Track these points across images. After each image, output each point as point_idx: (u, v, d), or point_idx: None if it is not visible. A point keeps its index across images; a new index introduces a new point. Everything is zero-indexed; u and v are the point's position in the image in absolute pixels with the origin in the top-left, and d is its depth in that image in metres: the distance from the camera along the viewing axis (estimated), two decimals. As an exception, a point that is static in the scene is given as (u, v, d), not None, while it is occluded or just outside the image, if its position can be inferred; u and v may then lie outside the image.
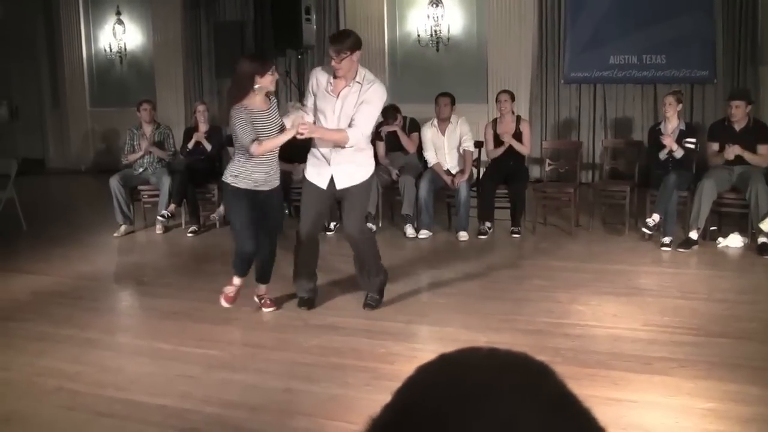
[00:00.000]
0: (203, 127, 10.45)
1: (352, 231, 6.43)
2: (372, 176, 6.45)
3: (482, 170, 10.04)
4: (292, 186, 10.12)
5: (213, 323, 6.34)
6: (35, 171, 14.87)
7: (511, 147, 9.46)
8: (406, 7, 13.97)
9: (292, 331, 6.09)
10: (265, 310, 6.58)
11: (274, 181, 6.38)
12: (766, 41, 11.98)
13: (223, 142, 10.56)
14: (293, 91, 13.97)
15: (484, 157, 9.97)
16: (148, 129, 10.38)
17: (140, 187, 10.32)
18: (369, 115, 6.11)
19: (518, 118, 9.69)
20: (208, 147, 10.26)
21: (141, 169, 10.29)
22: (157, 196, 10.13)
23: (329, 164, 6.23)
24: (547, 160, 10.36)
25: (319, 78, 6.15)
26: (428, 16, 13.69)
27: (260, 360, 5.49)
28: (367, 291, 6.65)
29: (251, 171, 6.11)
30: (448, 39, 13.59)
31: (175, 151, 10.52)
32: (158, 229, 9.96)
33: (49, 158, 17.37)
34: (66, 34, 16.67)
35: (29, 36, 16.94)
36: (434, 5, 13.67)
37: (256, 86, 5.95)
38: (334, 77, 6.02)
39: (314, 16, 13.00)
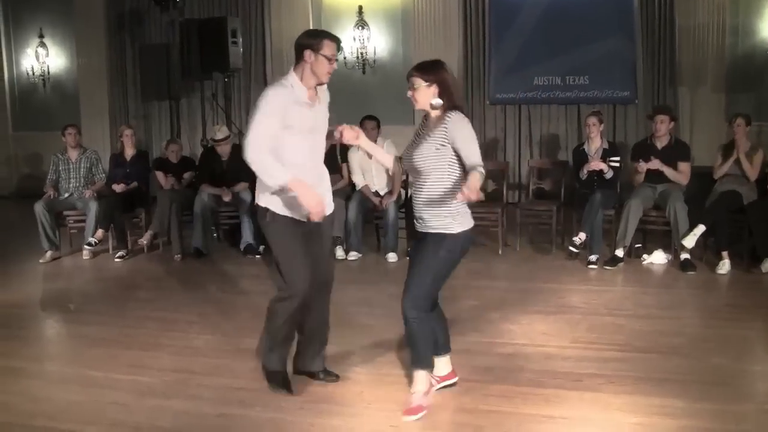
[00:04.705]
0: (130, 152, 10.36)
1: (331, 274, 5.39)
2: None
3: (410, 191, 10.08)
4: (220, 210, 10.08)
5: (143, 349, 6.25)
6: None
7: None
8: (332, 29, 13.88)
9: (225, 356, 6.04)
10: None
11: None
12: (684, 63, 12.31)
13: (149, 167, 10.49)
14: (219, 114, 13.91)
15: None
16: (73, 154, 10.24)
17: (66, 213, 10.15)
18: None
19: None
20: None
21: (67, 194, 10.14)
22: (83, 221, 9.97)
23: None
24: (475, 181, 10.41)
25: (284, 98, 4.87)
26: (354, 39, 13.78)
27: (192, 386, 5.44)
28: (317, 365, 5.47)
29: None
30: (374, 61, 13.69)
31: (107, 177, 10.39)
32: (85, 254, 9.81)
33: (-31, 184, 16.96)
34: (-14, 56, 16.41)
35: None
36: (360, 28, 13.77)
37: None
38: (312, 86, 5.05)
39: (240, 39, 12.98)
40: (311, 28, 13.62)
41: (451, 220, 4.78)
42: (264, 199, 4.98)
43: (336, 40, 5.04)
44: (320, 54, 4.91)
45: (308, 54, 4.93)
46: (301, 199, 4.77)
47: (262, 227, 5.08)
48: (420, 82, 4.82)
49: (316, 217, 4.85)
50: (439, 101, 4.76)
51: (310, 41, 4.97)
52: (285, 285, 4.98)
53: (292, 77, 4.96)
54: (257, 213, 5.12)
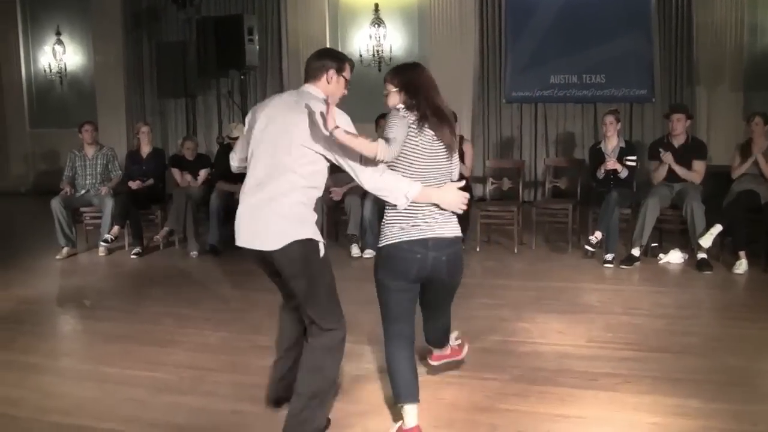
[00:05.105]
0: (146, 149, 10.40)
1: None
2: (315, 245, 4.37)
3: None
4: (236, 207, 10.06)
5: (159, 346, 6.27)
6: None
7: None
8: (348, 27, 14.04)
9: (240, 353, 6.05)
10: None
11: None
12: (701, 62, 12.24)
13: (165, 164, 10.52)
14: (236, 112, 13.94)
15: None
16: (90, 151, 10.29)
17: (82, 209, 10.21)
18: None
19: (460, 138, 9.74)
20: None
21: (83, 191, 10.18)
22: (99, 217, 10.02)
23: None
24: (490, 179, 10.42)
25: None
26: (370, 36, 13.78)
27: (208, 382, 5.45)
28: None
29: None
30: (390, 59, 13.66)
31: (123, 174, 10.43)
32: (101, 251, 9.84)
33: (-14, 180, 17.05)
34: (4, 54, 16.48)
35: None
36: (376, 25, 13.76)
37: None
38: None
39: (257, 37, 12.99)
40: (327, 28, 13.71)
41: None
42: (307, 231, 4.33)
43: (353, 65, 4.75)
44: (342, 76, 4.58)
45: (332, 74, 4.52)
46: (443, 203, 4.49)
47: (308, 265, 4.36)
48: (390, 87, 4.59)
49: (461, 209, 4.59)
50: (401, 107, 4.46)
51: (334, 63, 4.55)
52: (330, 319, 4.53)
53: (323, 96, 4.42)
54: (295, 249, 4.29)
